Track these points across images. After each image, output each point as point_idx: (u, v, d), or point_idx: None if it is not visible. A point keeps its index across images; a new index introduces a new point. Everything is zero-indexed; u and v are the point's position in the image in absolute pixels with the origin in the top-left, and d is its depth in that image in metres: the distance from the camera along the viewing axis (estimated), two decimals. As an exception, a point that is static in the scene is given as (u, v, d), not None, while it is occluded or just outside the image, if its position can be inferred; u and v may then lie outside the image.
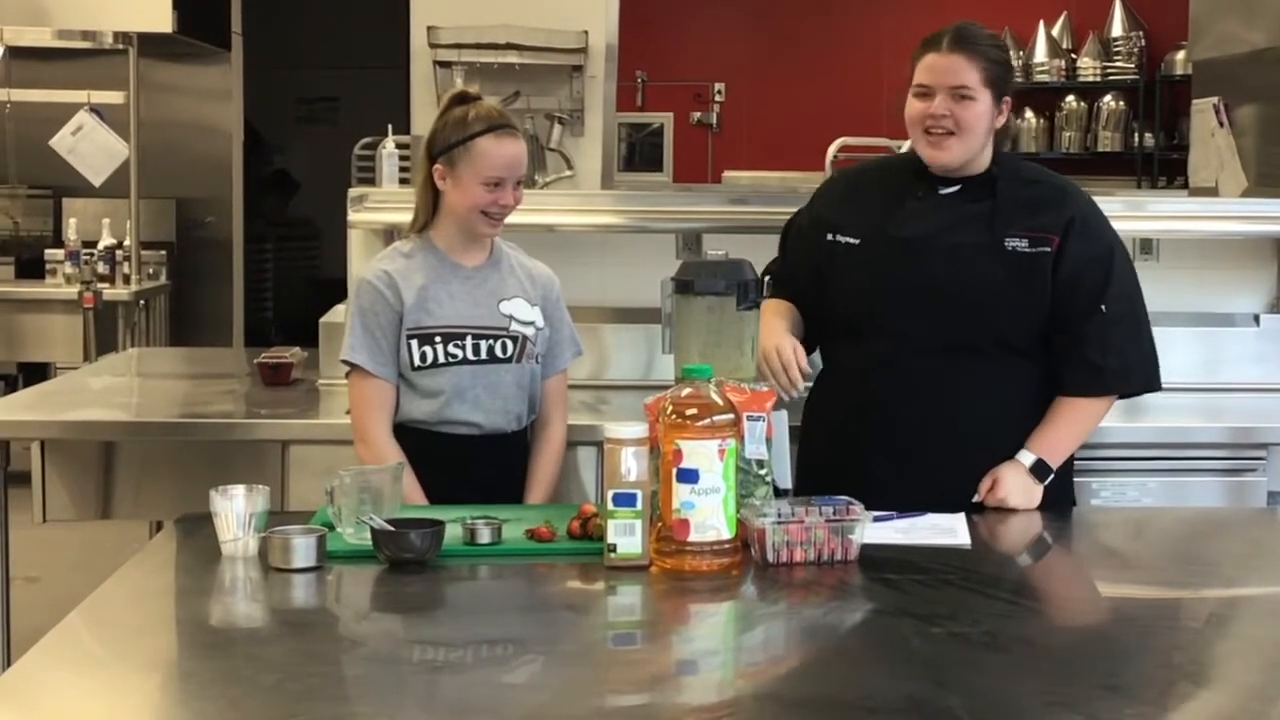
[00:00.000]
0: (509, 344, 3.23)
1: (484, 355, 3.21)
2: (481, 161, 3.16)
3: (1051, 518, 3.10)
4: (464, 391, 3.20)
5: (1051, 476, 3.09)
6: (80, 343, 7.23)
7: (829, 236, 3.19)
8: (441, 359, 3.20)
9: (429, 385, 3.21)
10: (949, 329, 3.08)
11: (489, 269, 3.27)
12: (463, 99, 3.25)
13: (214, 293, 8.62)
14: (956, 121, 3.06)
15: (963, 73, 3.07)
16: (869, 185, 3.27)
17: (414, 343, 3.19)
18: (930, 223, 3.13)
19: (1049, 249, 3.09)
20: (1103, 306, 3.11)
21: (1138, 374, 3.18)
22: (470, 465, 3.19)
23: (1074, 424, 3.15)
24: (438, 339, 3.20)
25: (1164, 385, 3.22)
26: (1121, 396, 3.23)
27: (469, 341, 3.20)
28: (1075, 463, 3.24)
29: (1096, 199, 3.26)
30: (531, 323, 3.26)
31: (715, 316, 2.92)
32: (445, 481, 3.10)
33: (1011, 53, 10.11)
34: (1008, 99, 3.14)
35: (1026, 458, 3.09)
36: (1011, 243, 3.09)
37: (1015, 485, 3.07)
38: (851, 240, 3.17)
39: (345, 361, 3.24)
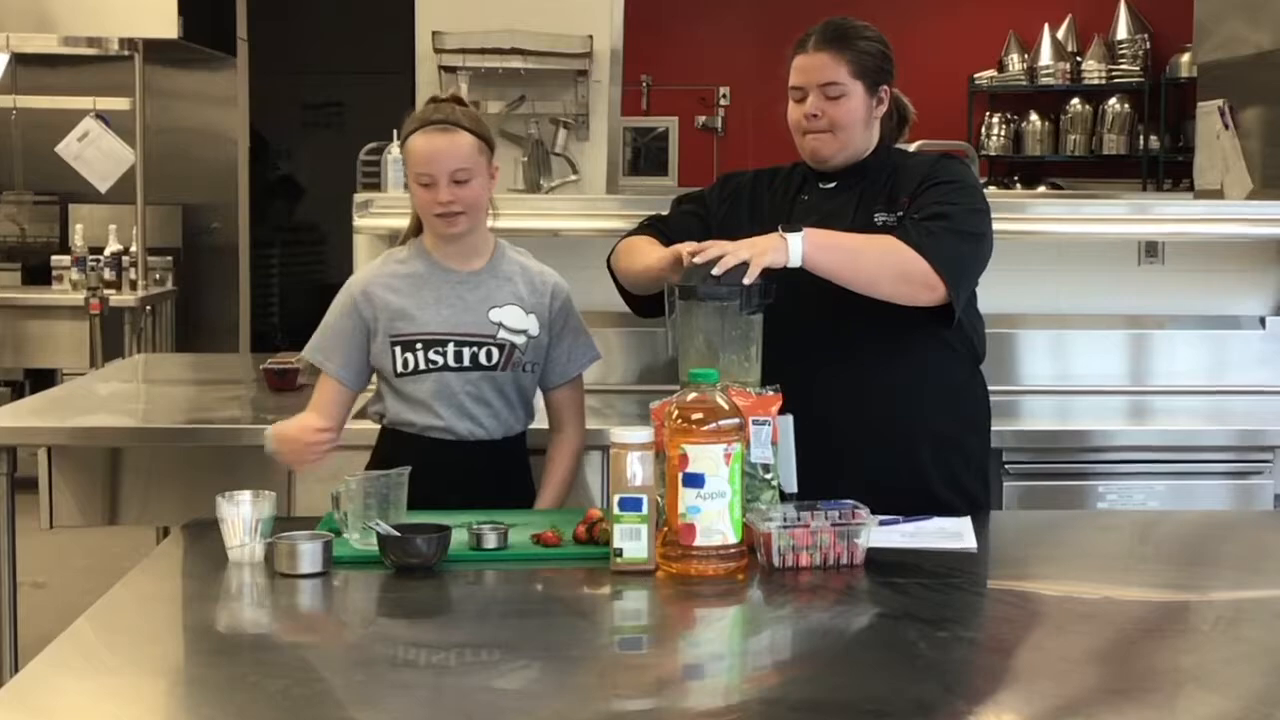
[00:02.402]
0: (494, 351, 3.19)
1: (467, 362, 3.18)
2: (409, 161, 3.17)
3: (1056, 520, 3.10)
4: (447, 399, 3.17)
5: (800, 244, 2.91)
6: (87, 349, 7.24)
7: None
8: (422, 365, 3.18)
9: (412, 392, 3.19)
10: (836, 313, 3.06)
11: (484, 275, 3.24)
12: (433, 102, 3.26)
13: (220, 298, 8.64)
14: (830, 120, 3.11)
15: (828, 70, 3.10)
16: (761, 191, 3.28)
17: (397, 349, 3.18)
18: (810, 214, 3.13)
19: (905, 210, 3.08)
20: (935, 204, 3.03)
21: (941, 252, 2.99)
22: (459, 473, 3.15)
23: (869, 238, 3.01)
24: (419, 345, 3.18)
25: (1170, 388, 3.20)
26: (939, 308, 3.02)
27: (451, 348, 3.18)
28: (1076, 465, 3.21)
29: (1103, 202, 3.25)
30: (523, 331, 3.22)
31: (720, 321, 2.92)
32: (435, 488, 3.02)
33: (1016, 56, 10.21)
34: (885, 87, 3.15)
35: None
36: (880, 218, 3.11)
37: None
38: None
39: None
